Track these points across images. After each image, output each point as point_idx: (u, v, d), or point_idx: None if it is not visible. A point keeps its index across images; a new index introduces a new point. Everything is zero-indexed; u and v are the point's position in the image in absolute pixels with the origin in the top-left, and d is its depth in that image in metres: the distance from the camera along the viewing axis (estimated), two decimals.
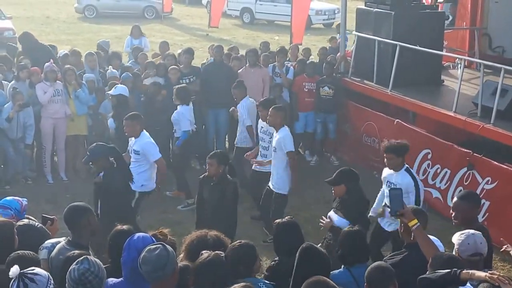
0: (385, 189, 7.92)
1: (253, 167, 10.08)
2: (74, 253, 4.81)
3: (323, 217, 7.36)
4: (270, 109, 9.29)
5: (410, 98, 11.49)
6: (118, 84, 11.20)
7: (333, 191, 7.39)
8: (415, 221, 5.14)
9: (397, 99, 11.77)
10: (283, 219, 5.87)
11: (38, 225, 5.82)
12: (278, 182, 9.19)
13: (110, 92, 10.84)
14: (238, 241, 5.20)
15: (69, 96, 11.57)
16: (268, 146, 9.73)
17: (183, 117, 10.74)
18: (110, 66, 12.54)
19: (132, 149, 9.21)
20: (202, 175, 8.29)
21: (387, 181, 7.86)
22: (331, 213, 7.34)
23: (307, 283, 4.34)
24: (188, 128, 10.78)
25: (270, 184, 9.35)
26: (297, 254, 4.94)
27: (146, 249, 4.33)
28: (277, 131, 9.18)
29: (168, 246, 4.36)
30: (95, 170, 8.20)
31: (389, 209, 5.55)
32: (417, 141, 10.59)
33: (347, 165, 8.23)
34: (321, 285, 4.35)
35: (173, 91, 10.90)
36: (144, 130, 9.22)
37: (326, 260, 4.96)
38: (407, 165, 7.81)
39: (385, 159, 7.80)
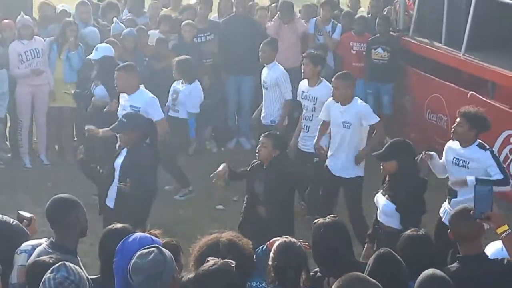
0: (447, 165, 8.11)
1: (299, 145, 10.21)
2: (51, 257, 4.84)
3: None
4: (335, 79, 9.31)
5: (489, 64, 11.36)
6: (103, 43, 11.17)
7: (381, 168, 7.65)
8: (505, 227, 5.13)
9: (472, 65, 11.64)
10: (325, 219, 5.85)
11: (13, 222, 5.85)
12: (348, 165, 9.33)
13: (90, 56, 10.83)
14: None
15: (58, 55, 11.63)
16: (311, 115, 9.97)
17: (192, 97, 10.89)
18: (114, 18, 12.47)
19: (127, 105, 9.32)
20: (251, 164, 8.47)
21: (454, 157, 8.01)
22: (378, 196, 7.62)
23: None
24: (197, 109, 10.96)
25: (335, 170, 9.43)
26: (372, 261, 5.08)
27: (137, 254, 4.38)
28: (344, 105, 9.26)
29: (164, 250, 4.41)
30: (120, 144, 8.30)
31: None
32: (497, 119, 10.41)
33: None
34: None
35: (174, 63, 10.99)
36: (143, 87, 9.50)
37: (405, 270, 5.11)
38: (480, 141, 7.95)
39: (454, 125, 7.97)
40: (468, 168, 7.88)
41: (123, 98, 9.54)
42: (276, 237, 5.62)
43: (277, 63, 10.93)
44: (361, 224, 8.98)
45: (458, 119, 7.96)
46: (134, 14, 13.24)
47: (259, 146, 8.29)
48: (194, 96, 10.96)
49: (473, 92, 11.27)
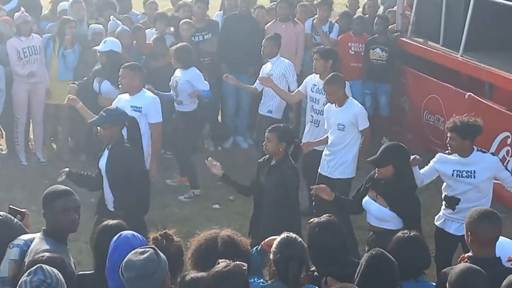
0: (446, 180, 7.94)
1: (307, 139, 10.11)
2: (43, 256, 4.88)
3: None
4: (325, 85, 9.25)
5: (487, 66, 11.36)
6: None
7: (376, 173, 7.48)
8: None
9: (470, 67, 11.66)
10: (321, 218, 5.86)
11: (16, 222, 5.80)
12: (341, 167, 9.29)
13: (98, 47, 10.85)
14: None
15: (54, 52, 11.63)
16: (323, 109, 9.73)
17: (194, 81, 10.79)
18: (111, 16, 12.47)
19: (127, 106, 9.19)
20: (262, 158, 8.39)
21: (453, 170, 7.82)
22: (368, 201, 7.42)
23: None
24: (207, 87, 10.89)
25: (324, 170, 9.41)
26: (364, 261, 5.06)
27: (132, 252, 4.42)
28: (340, 106, 9.21)
29: (160, 252, 4.44)
30: (101, 139, 8.20)
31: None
32: (494, 121, 10.47)
33: None
34: None
35: (172, 52, 10.94)
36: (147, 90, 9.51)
37: (397, 270, 5.08)
38: (477, 148, 7.80)
39: (448, 139, 7.83)
40: (474, 177, 7.72)
41: (123, 100, 9.41)
42: (273, 234, 5.63)
43: (281, 57, 11.00)
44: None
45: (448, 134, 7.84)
46: (122, 11, 13.27)
47: (265, 142, 8.14)
48: (196, 81, 10.84)
49: (470, 93, 11.29)
